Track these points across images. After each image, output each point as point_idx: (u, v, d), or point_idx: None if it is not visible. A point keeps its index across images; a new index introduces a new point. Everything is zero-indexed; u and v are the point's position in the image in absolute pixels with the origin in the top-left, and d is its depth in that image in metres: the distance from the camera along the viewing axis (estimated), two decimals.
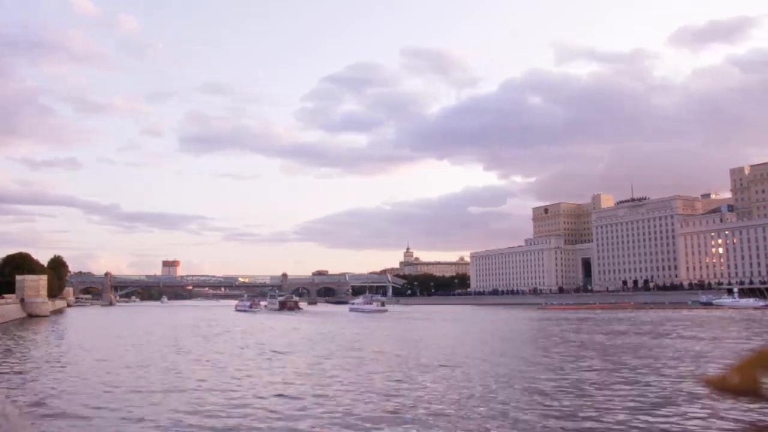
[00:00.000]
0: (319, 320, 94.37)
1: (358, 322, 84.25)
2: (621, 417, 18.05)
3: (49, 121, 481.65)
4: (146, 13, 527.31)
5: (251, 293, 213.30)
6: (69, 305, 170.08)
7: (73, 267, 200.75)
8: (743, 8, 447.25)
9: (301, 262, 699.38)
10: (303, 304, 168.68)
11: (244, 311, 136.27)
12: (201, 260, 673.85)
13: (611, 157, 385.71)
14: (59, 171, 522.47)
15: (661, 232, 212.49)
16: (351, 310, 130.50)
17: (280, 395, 22.39)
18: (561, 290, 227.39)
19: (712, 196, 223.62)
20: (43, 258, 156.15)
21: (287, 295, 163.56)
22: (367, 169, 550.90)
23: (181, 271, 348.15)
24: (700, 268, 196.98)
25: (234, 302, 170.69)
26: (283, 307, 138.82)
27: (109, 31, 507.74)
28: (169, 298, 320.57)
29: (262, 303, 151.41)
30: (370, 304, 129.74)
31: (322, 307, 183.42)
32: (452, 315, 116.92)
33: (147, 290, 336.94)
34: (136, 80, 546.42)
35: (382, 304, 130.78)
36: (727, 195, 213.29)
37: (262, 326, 77.08)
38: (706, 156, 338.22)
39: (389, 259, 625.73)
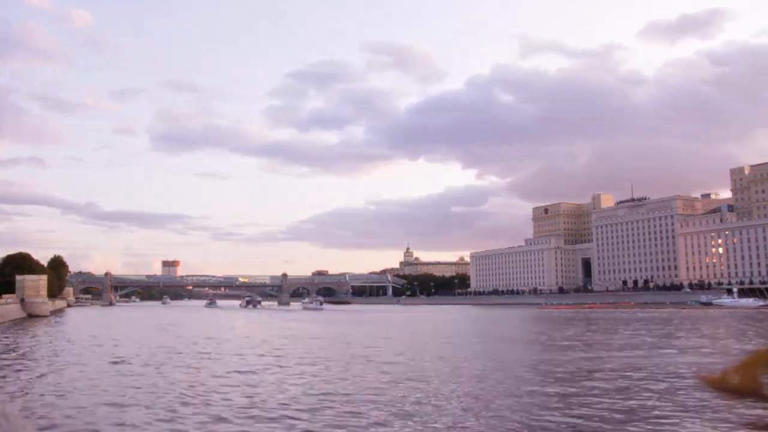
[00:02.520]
0: (263, 315, 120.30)
1: (290, 319, 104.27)
2: (619, 417, 18.04)
3: (16, 120, 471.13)
4: (99, 9, 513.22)
5: (251, 293, 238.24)
6: (69, 305, 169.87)
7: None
8: (715, 1, 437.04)
9: (292, 262, 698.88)
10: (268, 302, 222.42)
11: (209, 307, 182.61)
12: (194, 260, 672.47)
13: (589, 155, 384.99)
14: (26, 170, 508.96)
15: (661, 232, 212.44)
16: (303, 308, 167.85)
17: None
18: (561, 290, 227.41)
19: (712, 196, 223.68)
20: (37, 257, 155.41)
21: (253, 295, 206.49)
22: (344, 168, 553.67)
23: (178, 271, 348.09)
24: (700, 268, 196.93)
25: (224, 302, 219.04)
26: (249, 304, 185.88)
27: (64, 26, 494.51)
28: (170, 298, 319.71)
29: (221, 302, 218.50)
30: (313, 303, 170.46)
31: (267, 303, 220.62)
32: (427, 315, 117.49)
33: (147, 290, 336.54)
34: (98, 77, 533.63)
35: (321, 304, 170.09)
36: (727, 195, 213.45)
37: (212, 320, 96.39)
38: (687, 153, 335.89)
39: (389, 259, 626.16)
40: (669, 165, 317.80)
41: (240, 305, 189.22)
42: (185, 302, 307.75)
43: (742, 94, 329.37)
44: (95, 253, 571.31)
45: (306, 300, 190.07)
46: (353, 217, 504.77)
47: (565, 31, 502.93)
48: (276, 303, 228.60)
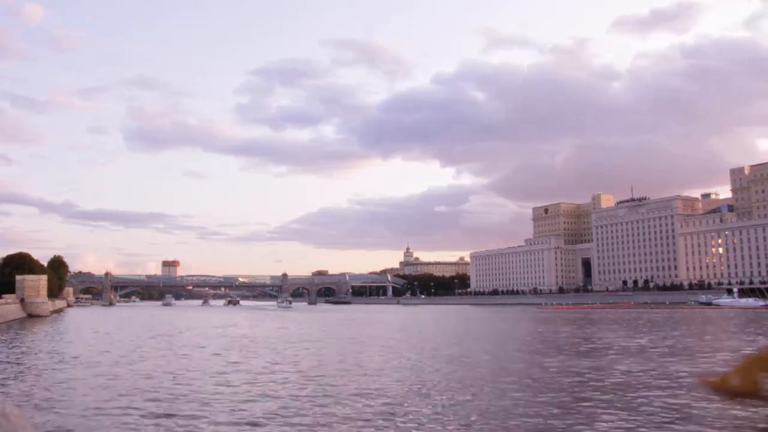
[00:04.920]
0: (237, 312, 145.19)
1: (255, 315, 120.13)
2: (618, 419, 18.02)
3: None
4: (50, 3, 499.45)
5: (251, 293, 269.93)
6: (69, 305, 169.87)
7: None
8: None
9: (283, 262, 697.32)
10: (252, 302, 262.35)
11: (203, 306, 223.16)
12: (187, 260, 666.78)
13: (569, 151, 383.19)
14: None
15: (661, 232, 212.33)
16: (277, 306, 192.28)
17: None
18: (561, 290, 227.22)
19: (712, 196, 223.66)
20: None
21: (233, 296, 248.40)
22: (322, 167, 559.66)
23: (178, 271, 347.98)
24: (700, 268, 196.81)
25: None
26: (230, 303, 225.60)
27: (16, 21, 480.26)
28: (162, 298, 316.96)
29: (213, 301, 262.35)
30: (283, 303, 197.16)
31: (261, 302, 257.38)
32: (413, 315, 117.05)
33: (147, 290, 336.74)
34: (63, 75, 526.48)
35: (290, 303, 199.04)
36: (727, 195, 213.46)
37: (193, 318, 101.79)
38: (669, 149, 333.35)
39: (389, 259, 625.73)
40: (652, 162, 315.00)
41: (224, 304, 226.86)
42: (184, 302, 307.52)
43: (720, 89, 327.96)
44: (85, 253, 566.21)
45: (279, 300, 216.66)
46: (340, 217, 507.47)
47: (533, 26, 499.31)
48: (275, 303, 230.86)
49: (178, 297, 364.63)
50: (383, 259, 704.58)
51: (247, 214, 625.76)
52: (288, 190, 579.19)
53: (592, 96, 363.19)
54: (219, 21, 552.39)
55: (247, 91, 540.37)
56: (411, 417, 18.65)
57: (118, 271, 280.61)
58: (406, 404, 20.69)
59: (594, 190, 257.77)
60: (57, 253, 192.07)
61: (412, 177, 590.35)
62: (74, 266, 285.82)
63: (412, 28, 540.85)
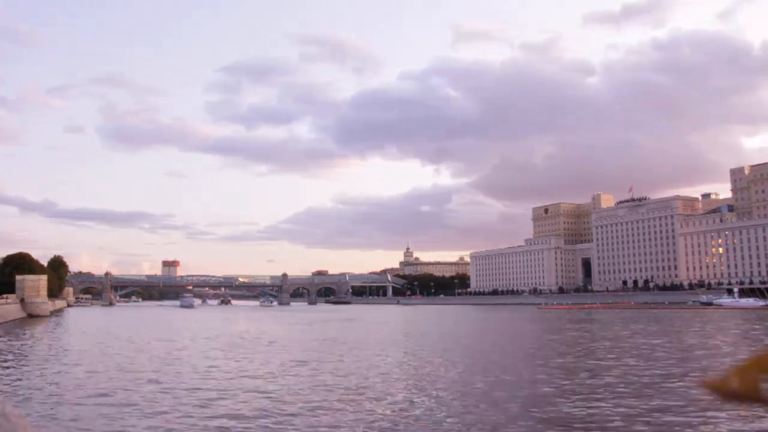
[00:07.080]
0: (225, 311, 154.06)
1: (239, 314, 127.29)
2: (617, 420, 18.01)
3: None
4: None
5: (251, 293, 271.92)
6: (69, 305, 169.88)
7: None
8: None
9: (275, 261, 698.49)
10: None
11: (201, 305, 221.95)
12: (185, 259, 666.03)
13: (547, 148, 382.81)
14: None
15: (661, 232, 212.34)
16: (260, 304, 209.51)
17: None
18: (561, 290, 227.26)
19: (712, 196, 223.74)
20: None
21: (226, 295, 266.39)
22: (304, 167, 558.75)
23: (178, 271, 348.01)
24: (700, 268, 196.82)
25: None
26: (222, 302, 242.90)
27: None
28: (162, 298, 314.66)
29: (210, 301, 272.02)
30: (265, 302, 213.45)
31: (247, 302, 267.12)
32: (395, 316, 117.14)
33: (147, 290, 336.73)
34: (30, 73, 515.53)
35: (271, 302, 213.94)
36: (727, 195, 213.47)
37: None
38: (650, 146, 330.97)
39: (389, 259, 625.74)
40: (634, 160, 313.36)
41: (217, 304, 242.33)
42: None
43: (699, 85, 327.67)
44: (79, 253, 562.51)
45: (262, 299, 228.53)
46: (327, 217, 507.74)
47: (502, 20, 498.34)
48: (276, 302, 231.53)
49: (175, 297, 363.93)
50: (383, 259, 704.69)
51: (234, 214, 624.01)
52: (272, 190, 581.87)
53: (568, 92, 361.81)
54: (185, 17, 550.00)
55: (215, 89, 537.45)
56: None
57: (113, 271, 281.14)
58: None
59: (578, 188, 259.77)
60: (43, 252, 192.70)
61: (395, 176, 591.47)
62: (73, 266, 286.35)
63: (378, 23, 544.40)
